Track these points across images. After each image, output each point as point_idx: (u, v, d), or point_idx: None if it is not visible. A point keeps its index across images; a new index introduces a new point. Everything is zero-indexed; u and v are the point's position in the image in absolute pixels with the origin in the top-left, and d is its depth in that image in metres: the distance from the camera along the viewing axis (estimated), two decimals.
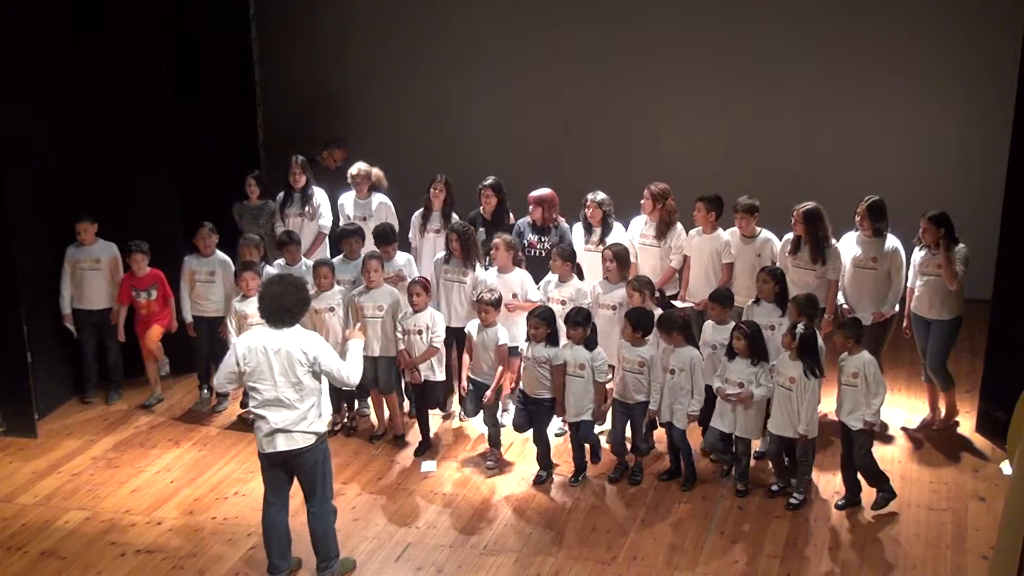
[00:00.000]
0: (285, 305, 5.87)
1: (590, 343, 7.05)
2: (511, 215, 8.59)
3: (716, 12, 10.65)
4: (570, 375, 7.11)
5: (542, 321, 7.07)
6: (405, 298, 7.67)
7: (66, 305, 8.44)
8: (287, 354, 5.82)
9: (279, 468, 6.02)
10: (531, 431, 7.32)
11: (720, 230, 8.04)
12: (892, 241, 7.66)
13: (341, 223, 8.87)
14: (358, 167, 8.95)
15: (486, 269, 8.21)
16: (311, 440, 5.94)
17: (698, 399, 7.03)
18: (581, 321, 7.04)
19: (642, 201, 8.17)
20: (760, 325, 7.15)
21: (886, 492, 6.79)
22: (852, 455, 6.80)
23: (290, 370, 5.82)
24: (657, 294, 7.65)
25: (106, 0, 8.52)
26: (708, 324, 7.36)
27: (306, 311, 6.06)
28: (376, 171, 9.04)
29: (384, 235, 8.09)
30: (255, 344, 5.88)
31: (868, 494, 6.86)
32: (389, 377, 7.78)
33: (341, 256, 8.22)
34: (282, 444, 5.89)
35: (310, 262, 8.26)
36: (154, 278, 8.41)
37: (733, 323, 7.21)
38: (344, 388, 6.61)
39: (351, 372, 6.05)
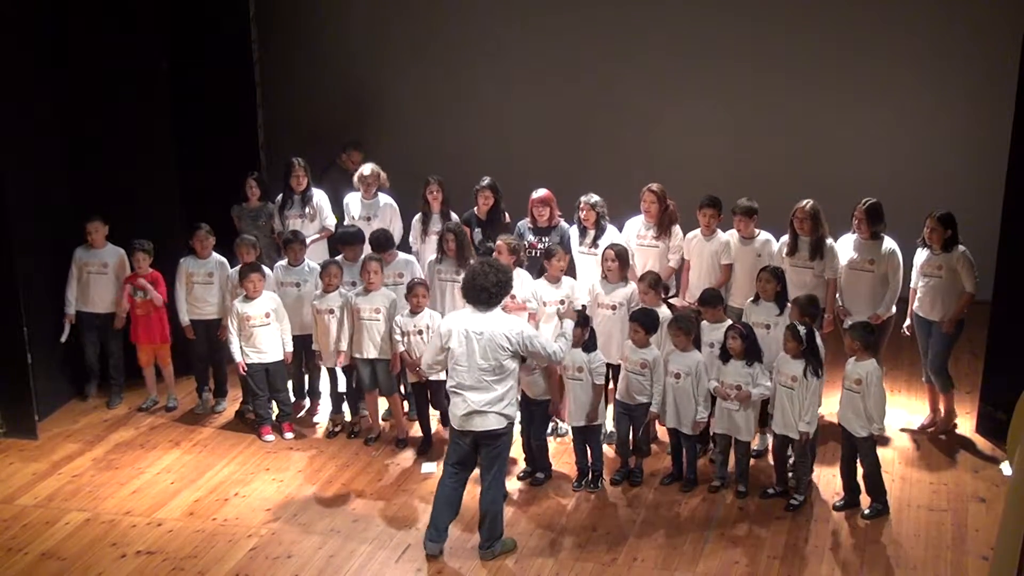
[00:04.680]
0: (484, 285, 6.08)
1: (588, 345, 7.05)
2: (506, 215, 8.59)
3: (716, 12, 10.63)
4: (569, 378, 7.10)
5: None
6: (400, 299, 7.70)
7: (71, 307, 8.39)
8: (489, 338, 6.01)
9: (471, 445, 6.25)
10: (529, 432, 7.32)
11: (719, 231, 8.04)
12: (889, 243, 7.64)
13: (345, 223, 8.87)
14: (368, 168, 8.93)
15: None
16: (503, 423, 6.16)
17: (704, 406, 7.03)
18: (580, 322, 7.03)
19: (643, 204, 8.15)
20: (758, 323, 7.19)
21: (880, 506, 6.80)
22: (853, 458, 6.80)
23: (491, 353, 6.02)
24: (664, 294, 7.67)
25: (106, 0, 8.51)
26: (704, 324, 7.36)
27: (506, 295, 6.27)
28: (382, 173, 9.03)
29: (379, 243, 8.03)
30: (458, 327, 6.11)
31: (866, 497, 6.86)
32: (390, 379, 7.78)
33: (340, 257, 8.19)
34: (477, 423, 6.12)
35: (312, 263, 8.26)
36: (152, 279, 8.38)
37: (729, 321, 7.23)
38: (554, 363, 6.69)
39: (558, 349, 6.36)
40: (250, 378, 7.97)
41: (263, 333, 7.87)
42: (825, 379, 6.92)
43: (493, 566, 6.33)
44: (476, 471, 6.46)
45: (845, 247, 7.77)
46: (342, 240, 8.26)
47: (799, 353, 6.74)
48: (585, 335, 7.02)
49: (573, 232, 8.31)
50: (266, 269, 8.11)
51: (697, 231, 8.07)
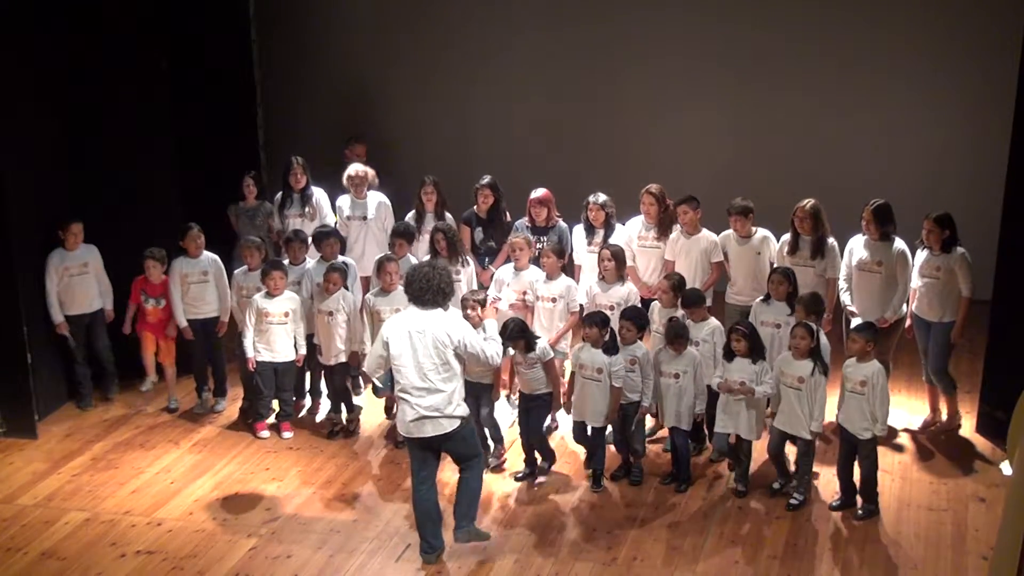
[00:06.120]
0: (439, 285, 6.09)
1: (610, 348, 6.99)
2: (507, 214, 8.60)
3: (716, 13, 10.63)
4: (586, 379, 7.04)
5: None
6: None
7: (57, 313, 8.28)
8: (432, 336, 5.99)
9: (427, 449, 6.21)
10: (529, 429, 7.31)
11: (704, 230, 8.02)
12: (899, 244, 7.62)
13: (338, 223, 8.87)
14: (355, 168, 8.94)
15: (484, 268, 8.25)
16: (456, 423, 6.12)
17: (702, 399, 7.06)
18: (599, 323, 6.98)
19: (642, 206, 8.15)
20: (768, 323, 7.21)
21: (873, 507, 6.79)
22: (852, 459, 6.80)
23: (434, 352, 5.99)
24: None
25: (106, 0, 8.51)
26: (688, 323, 7.33)
27: (452, 296, 6.29)
28: (371, 171, 9.04)
29: (401, 233, 8.06)
30: (400, 328, 6.07)
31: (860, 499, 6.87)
32: None
33: (319, 258, 8.16)
34: (429, 430, 6.07)
35: (313, 262, 8.26)
36: (164, 287, 8.32)
37: (712, 319, 7.27)
38: (491, 367, 6.69)
39: (495, 352, 6.30)
40: (258, 375, 7.96)
41: (279, 332, 7.86)
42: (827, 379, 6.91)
43: (492, 566, 6.33)
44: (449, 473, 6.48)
45: (855, 248, 7.75)
46: (316, 239, 8.21)
47: (808, 352, 6.73)
48: (605, 336, 6.99)
49: (577, 232, 8.31)
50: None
51: (679, 231, 8.06)
